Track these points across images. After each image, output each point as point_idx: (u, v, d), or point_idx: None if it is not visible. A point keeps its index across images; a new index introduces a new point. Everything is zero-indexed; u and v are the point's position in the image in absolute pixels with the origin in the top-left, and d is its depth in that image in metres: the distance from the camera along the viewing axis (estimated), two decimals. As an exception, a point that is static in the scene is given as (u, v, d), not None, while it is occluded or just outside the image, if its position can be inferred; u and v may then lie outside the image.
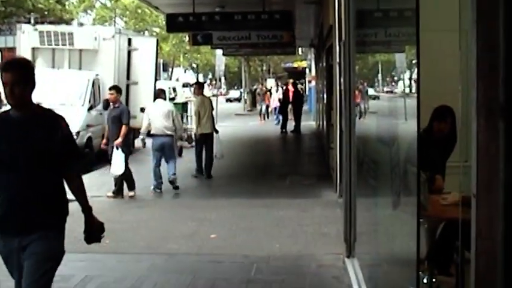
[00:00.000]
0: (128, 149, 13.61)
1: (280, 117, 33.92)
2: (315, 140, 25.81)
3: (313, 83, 38.37)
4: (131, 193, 13.50)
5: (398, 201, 5.04)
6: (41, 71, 19.16)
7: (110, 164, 13.34)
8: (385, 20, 6.26)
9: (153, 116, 14.14)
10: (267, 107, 37.76)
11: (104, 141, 13.76)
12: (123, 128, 13.20)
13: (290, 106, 31.75)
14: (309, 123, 33.55)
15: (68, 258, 8.65)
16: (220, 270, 8.09)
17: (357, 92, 8.46)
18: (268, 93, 38.00)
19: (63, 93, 18.27)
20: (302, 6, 18.82)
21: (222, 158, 16.56)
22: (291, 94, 32.22)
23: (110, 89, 13.78)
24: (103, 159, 14.23)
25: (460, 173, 4.55)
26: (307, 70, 52.54)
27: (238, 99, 66.38)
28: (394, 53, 6.56)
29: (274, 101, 35.41)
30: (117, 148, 13.08)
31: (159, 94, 15.08)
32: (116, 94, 13.47)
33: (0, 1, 32.83)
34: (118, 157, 13.10)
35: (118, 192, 13.40)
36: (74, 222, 11.45)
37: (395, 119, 5.63)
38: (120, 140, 13.08)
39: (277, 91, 38.47)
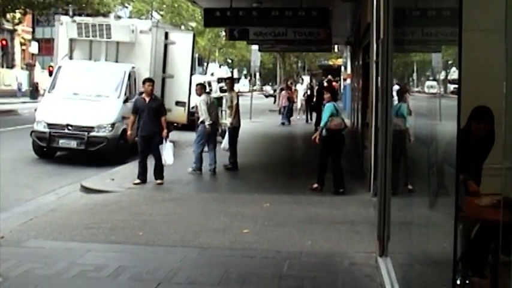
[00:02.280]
0: (162, 139, 13.99)
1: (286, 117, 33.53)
2: (349, 139, 25.63)
3: (349, 81, 38.19)
4: (159, 181, 13.89)
5: (434, 201, 5.01)
6: (78, 63, 19.39)
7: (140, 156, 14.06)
8: (424, 18, 6.22)
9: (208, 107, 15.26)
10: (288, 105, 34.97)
11: (130, 133, 14.17)
12: (164, 120, 14.09)
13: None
14: (343, 121, 33.41)
15: (102, 249, 8.84)
16: (252, 265, 8.11)
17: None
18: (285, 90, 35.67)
19: (100, 85, 18.41)
20: (339, 4, 18.73)
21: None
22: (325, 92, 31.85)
23: (148, 80, 14.14)
24: (137, 151, 14.40)
25: (502, 175, 4.50)
26: (342, 68, 52.35)
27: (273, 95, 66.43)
28: (432, 53, 6.51)
29: (284, 99, 34.49)
30: (166, 139, 14.03)
31: (203, 88, 16.02)
32: (152, 86, 14.18)
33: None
34: (169, 148, 14.08)
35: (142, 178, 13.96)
36: (108, 213, 11.63)
37: (432, 119, 5.59)
38: (166, 131, 14.06)
39: (286, 88, 36.28)
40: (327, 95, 13.75)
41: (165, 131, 13.90)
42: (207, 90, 16.98)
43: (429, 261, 5.35)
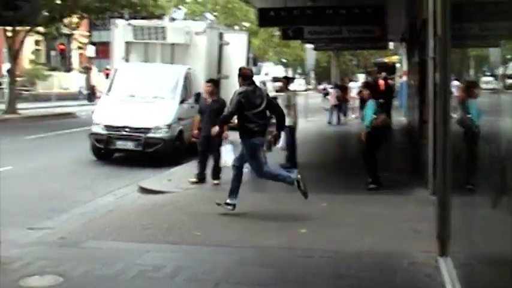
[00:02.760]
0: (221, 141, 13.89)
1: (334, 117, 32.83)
2: (406, 136, 25.41)
3: (404, 78, 37.74)
4: (216, 181, 13.95)
5: (497, 199, 4.89)
6: (134, 65, 19.59)
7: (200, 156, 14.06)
8: (482, 13, 6.09)
9: None
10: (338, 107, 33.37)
11: (196, 132, 14.11)
12: None
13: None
14: (399, 118, 33.05)
15: (160, 249, 8.88)
16: (310, 265, 8.05)
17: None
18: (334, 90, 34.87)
19: (156, 86, 18.55)
20: (394, 0, 18.55)
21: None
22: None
23: (208, 81, 14.22)
24: (194, 152, 14.47)
25: None
26: (397, 65, 51.82)
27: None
28: (490, 48, 6.39)
29: (333, 98, 33.96)
30: (225, 141, 13.53)
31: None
32: (214, 87, 14.12)
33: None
34: (229, 149, 13.48)
35: (201, 178, 13.98)
36: (166, 214, 11.68)
37: (493, 116, 5.47)
38: (226, 133, 13.42)
39: (335, 87, 35.72)
40: (366, 92, 13.51)
41: (225, 132, 13.74)
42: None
43: (493, 262, 5.22)
